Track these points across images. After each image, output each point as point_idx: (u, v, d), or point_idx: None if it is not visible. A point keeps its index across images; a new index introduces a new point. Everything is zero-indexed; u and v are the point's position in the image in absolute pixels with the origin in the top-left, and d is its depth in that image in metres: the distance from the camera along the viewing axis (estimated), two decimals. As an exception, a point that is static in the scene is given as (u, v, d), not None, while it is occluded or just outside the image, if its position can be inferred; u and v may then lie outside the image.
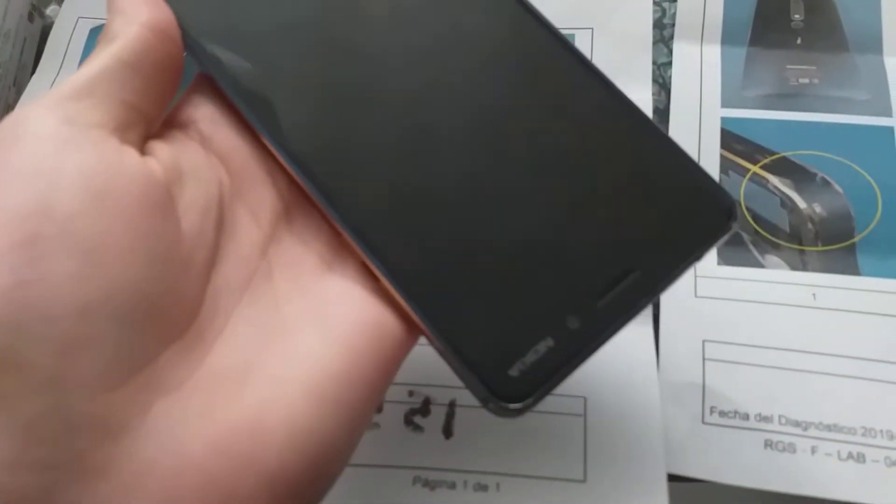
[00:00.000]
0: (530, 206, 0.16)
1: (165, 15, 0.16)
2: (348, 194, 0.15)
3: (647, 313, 0.25)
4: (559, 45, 0.17)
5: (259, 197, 0.16)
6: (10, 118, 0.14)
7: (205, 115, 0.17)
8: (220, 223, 0.15)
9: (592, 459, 0.23)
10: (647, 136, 0.17)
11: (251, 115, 0.16)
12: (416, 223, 0.15)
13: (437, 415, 0.23)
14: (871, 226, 0.26)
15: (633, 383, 0.24)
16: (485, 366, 0.14)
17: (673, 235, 0.16)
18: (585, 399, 0.24)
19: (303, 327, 0.14)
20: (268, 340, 0.14)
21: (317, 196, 0.15)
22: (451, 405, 0.24)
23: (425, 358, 0.24)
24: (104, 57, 0.15)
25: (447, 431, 0.23)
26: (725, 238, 0.16)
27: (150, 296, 0.13)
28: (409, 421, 0.23)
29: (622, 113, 0.17)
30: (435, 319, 0.15)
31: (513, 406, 0.14)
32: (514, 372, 0.14)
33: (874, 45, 0.29)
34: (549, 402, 0.23)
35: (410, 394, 0.24)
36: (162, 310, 0.13)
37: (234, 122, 0.17)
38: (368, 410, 0.14)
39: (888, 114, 0.28)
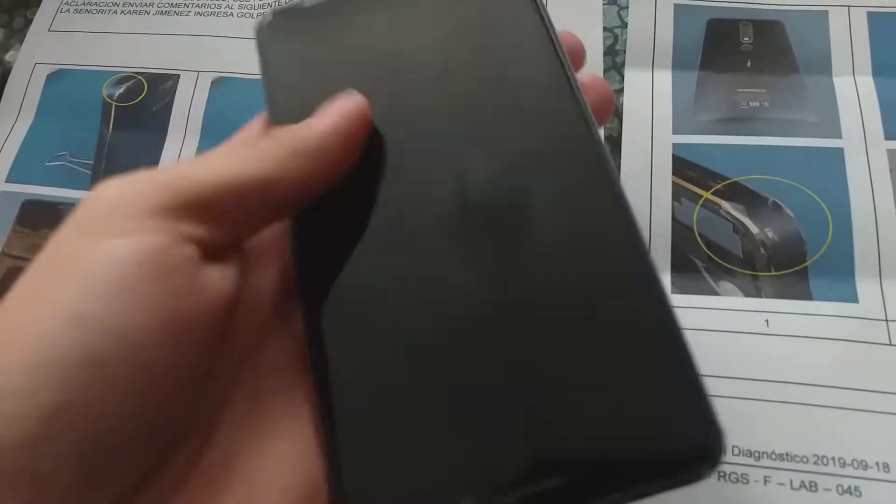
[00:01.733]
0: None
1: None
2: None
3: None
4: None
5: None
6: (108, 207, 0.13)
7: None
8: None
9: None
10: (658, 326, 0.14)
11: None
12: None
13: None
14: (823, 249, 0.26)
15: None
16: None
17: (626, 457, 0.13)
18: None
19: (275, 437, 0.14)
20: (249, 445, 0.14)
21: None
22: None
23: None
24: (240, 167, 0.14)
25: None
26: (691, 484, 0.13)
27: (187, 417, 0.14)
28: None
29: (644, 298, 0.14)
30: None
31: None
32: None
33: (823, 66, 0.29)
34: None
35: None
36: (186, 426, 0.14)
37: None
38: None
39: (837, 135, 0.28)
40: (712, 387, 0.24)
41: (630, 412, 0.13)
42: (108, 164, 0.31)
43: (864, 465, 0.23)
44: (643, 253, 0.15)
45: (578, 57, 0.19)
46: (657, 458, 0.13)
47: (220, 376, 0.14)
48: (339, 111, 0.16)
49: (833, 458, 0.23)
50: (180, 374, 0.13)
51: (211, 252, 0.14)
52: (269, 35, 0.19)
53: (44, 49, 0.34)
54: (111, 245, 0.13)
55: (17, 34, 0.35)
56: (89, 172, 0.31)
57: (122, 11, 0.35)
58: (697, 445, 0.13)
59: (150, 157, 0.31)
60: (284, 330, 0.16)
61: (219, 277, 0.14)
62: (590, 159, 0.16)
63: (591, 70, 0.30)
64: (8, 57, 0.34)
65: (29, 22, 0.35)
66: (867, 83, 0.29)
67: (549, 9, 0.32)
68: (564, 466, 0.13)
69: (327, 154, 0.15)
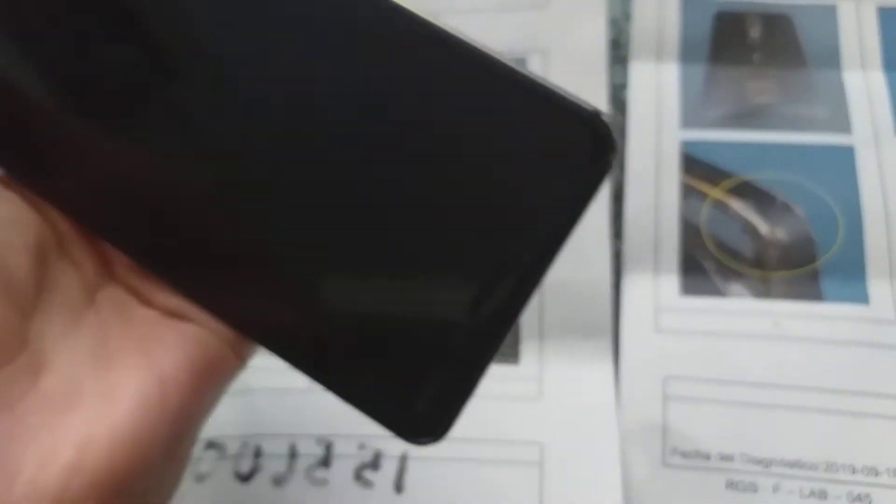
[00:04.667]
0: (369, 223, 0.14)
1: None
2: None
3: (607, 351, 0.24)
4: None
5: (81, 253, 0.17)
6: None
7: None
8: (43, 272, 0.16)
9: (549, 509, 0.22)
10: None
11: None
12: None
13: (388, 468, 0.23)
14: (833, 250, 0.26)
15: (591, 427, 0.23)
16: (388, 415, 0.14)
17: (534, 212, 0.13)
18: (541, 445, 0.23)
19: (127, 357, 0.15)
20: (97, 369, 0.15)
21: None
22: (403, 458, 0.23)
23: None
24: None
25: (398, 486, 0.22)
26: (605, 178, 0.13)
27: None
28: (358, 476, 0.23)
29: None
30: (326, 381, 0.14)
31: (427, 440, 0.14)
32: (419, 408, 0.14)
33: (832, 60, 0.29)
34: (503, 451, 0.23)
35: (361, 447, 0.23)
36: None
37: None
38: (193, 413, 0.15)
39: (847, 130, 0.27)
40: (721, 392, 0.24)
41: (510, 174, 0.13)
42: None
43: (875, 472, 0.23)
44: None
45: None
46: (562, 184, 0.13)
47: (29, 315, 0.15)
48: None
49: (843, 466, 0.23)
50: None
51: None
52: None
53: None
54: None
55: None
56: None
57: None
58: (586, 145, 0.13)
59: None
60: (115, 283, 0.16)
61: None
62: None
63: (595, 62, 0.29)
64: None
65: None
66: (877, 78, 0.28)
67: (552, 1, 0.31)
68: (501, 255, 0.13)
69: None
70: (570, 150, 0.13)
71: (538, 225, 0.13)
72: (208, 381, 0.16)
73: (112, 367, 0.15)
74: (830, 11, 0.30)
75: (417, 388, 0.14)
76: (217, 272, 0.15)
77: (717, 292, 0.26)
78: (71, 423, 0.14)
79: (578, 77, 0.29)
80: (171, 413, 0.15)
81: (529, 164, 0.13)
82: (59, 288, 0.16)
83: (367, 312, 0.14)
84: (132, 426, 0.14)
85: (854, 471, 0.23)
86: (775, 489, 0.23)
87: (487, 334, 0.14)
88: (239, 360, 0.16)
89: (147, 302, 0.16)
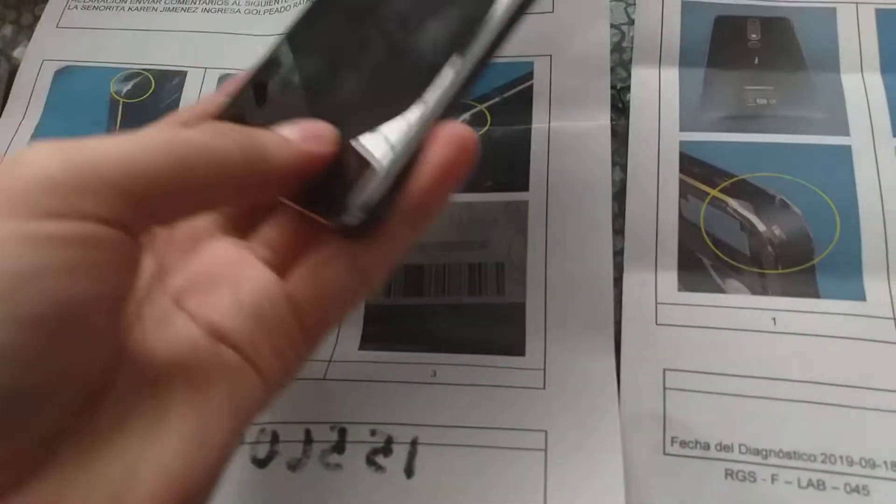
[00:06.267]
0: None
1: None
2: None
3: (609, 343, 0.25)
4: None
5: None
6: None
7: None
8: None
9: (553, 494, 0.23)
10: None
11: None
12: None
13: (399, 454, 0.24)
14: (830, 247, 0.26)
15: (594, 416, 0.24)
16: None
17: None
18: (546, 432, 0.24)
19: (174, 387, 0.15)
20: (145, 395, 0.15)
21: None
22: (413, 444, 0.24)
23: (388, 396, 0.25)
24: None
25: (409, 471, 0.23)
26: None
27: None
28: (371, 461, 0.24)
29: None
30: None
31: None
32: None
33: (831, 63, 0.29)
34: (509, 438, 0.24)
35: (373, 433, 0.24)
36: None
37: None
38: (227, 451, 0.15)
39: (845, 132, 0.28)
40: (720, 384, 0.24)
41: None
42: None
43: (872, 464, 0.23)
44: None
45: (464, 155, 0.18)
46: None
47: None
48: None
49: (841, 457, 0.23)
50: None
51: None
52: None
53: (52, 46, 0.34)
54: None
55: (25, 31, 0.35)
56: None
57: (130, 8, 0.35)
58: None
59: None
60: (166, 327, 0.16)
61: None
62: None
63: (599, 66, 0.30)
64: (16, 53, 0.35)
65: (37, 18, 0.35)
66: (875, 80, 0.29)
67: (555, 8, 0.32)
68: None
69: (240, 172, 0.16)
70: None
71: None
72: (244, 424, 0.15)
73: (159, 395, 0.15)
74: (829, 14, 0.30)
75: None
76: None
77: (715, 288, 0.26)
78: (118, 453, 0.14)
79: (582, 80, 0.30)
80: (215, 453, 0.14)
81: None
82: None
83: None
84: (178, 469, 0.14)
85: (851, 462, 0.23)
86: (773, 479, 0.23)
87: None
88: (267, 400, 0.16)
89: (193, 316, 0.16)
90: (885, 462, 0.23)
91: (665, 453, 0.24)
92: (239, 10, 0.34)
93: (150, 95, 0.32)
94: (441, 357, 0.25)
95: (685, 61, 0.30)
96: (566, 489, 0.23)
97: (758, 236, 0.27)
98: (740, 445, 0.24)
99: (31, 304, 0.12)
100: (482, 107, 0.30)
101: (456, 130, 0.17)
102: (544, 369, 0.25)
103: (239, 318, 0.16)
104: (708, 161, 0.28)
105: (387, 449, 0.24)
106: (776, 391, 0.24)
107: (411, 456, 0.24)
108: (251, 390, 0.16)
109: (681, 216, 0.27)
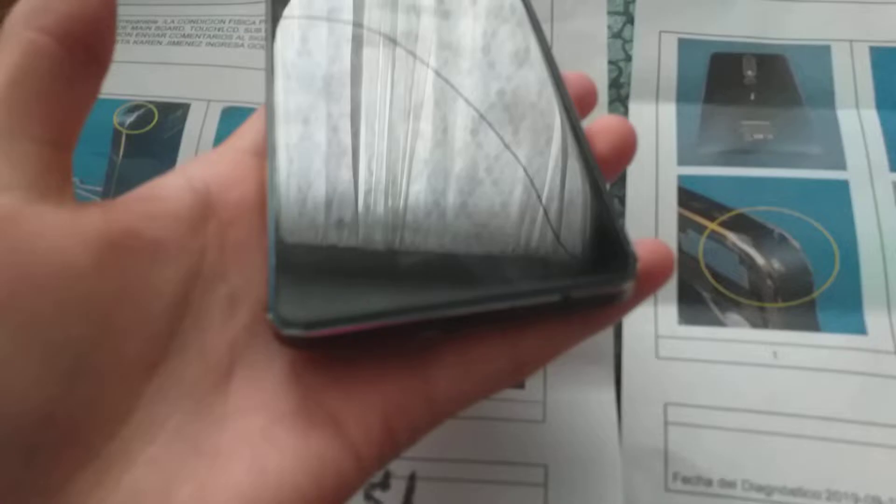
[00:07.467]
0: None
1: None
2: None
3: (609, 377, 0.25)
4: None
5: (244, 279, 0.13)
6: None
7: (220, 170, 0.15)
8: (185, 308, 0.12)
9: (553, 532, 0.22)
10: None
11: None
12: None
13: (398, 488, 0.23)
14: (830, 281, 0.26)
15: (594, 450, 0.24)
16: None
17: (534, 264, 0.14)
18: (546, 467, 0.24)
19: (234, 453, 0.12)
20: (196, 462, 0.12)
21: None
22: (412, 478, 0.23)
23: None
24: None
25: (406, 507, 0.23)
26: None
27: (61, 419, 0.11)
28: (368, 496, 0.23)
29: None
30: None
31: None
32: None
33: (826, 98, 0.30)
34: (509, 472, 0.23)
35: (370, 468, 0.24)
36: (75, 432, 0.11)
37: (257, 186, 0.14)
38: None
39: (842, 167, 0.28)
40: (722, 419, 0.24)
41: (540, 227, 0.15)
42: (118, 191, 0.31)
43: (878, 502, 0.23)
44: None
45: (590, 97, 0.20)
46: (562, 266, 0.14)
47: (146, 376, 0.12)
48: None
49: (846, 493, 0.23)
50: (24, 360, 0.11)
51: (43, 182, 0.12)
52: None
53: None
54: None
55: (32, 63, 0.36)
56: (99, 199, 0.31)
57: (135, 41, 0.35)
58: (605, 260, 0.14)
59: (159, 185, 0.31)
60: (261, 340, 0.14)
61: (63, 217, 0.12)
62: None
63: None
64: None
65: (43, 51, 0.36)
66: (871, 116, 0.29)
67: (554, 43, 0.32)
68: (478, 268, 0.14)
69: None
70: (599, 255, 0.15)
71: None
72: (330, 499, 0.13)
73: (213, 464, 0.12)
74: (825, 51, 0.31)
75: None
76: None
77: (715, 322, 0.26)
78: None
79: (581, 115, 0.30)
80: None
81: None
82: (197, 332, 0.13)
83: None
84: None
85: (857, 500, 0.23)
86: (777, 516, 0.23)
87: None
88: (361, 473, 0.13)
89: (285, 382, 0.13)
90: (891, 499, 0.23)
91: (667, 489, 0.23)
92: (242, 45, 0.35)
93: (153, 127, 0.32)
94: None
95: (682, 97, 0.30)
96: (566, 527, 0.22)
97: (757, 270, 0.27)
98: (744, 482, 0.23)
99: None
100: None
101: None
102: (544, 402, 0.25)
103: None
104: (706, 195, 0.28)
105: (384, 483, 0.23)
106: (779, 426, 0.24)
107: (409, 491, 0.23)
108: (326, 456, 0.13)
109: (680, 249, 0.27)
